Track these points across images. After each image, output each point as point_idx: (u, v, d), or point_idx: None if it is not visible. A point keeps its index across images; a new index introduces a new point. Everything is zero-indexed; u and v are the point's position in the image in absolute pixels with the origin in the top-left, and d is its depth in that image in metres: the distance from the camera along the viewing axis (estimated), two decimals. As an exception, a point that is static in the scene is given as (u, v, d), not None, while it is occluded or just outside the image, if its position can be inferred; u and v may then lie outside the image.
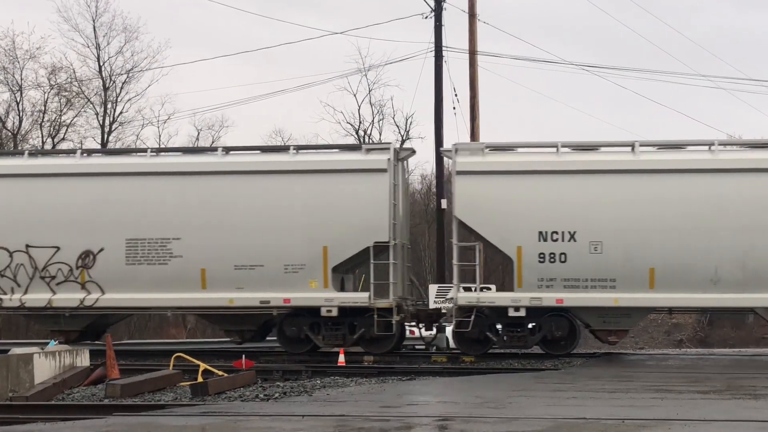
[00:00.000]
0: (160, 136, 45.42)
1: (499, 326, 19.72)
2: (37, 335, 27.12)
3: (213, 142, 47.00)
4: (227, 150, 20.64)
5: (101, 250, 20.13)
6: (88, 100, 40.77)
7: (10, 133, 39.94)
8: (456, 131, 55.86)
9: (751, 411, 10.10)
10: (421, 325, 21.37)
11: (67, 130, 40.71)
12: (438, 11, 28.53)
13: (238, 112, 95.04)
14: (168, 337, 33.89)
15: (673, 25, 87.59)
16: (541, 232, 19.02)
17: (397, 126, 44.70)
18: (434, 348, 23.01)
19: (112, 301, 20.28)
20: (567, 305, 19.14)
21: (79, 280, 20.25)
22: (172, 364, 16.81)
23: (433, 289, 23.88)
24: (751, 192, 18.74)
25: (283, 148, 21.78)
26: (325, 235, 19.51)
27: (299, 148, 20.64)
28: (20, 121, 40.15)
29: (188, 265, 19.83)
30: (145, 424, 9.62)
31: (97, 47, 40.57)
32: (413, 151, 21.31)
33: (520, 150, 20.15)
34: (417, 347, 24.43)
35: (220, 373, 15.85)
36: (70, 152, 23.06)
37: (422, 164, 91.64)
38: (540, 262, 19.01)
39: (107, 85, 40.90)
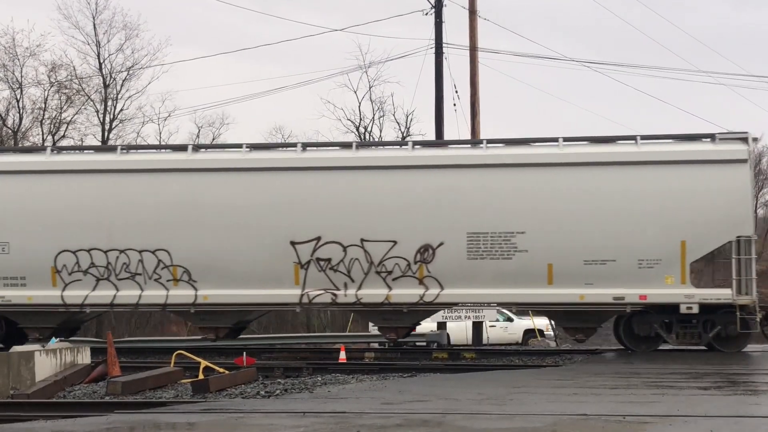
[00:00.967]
0: (160, 133, 45.50)
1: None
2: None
3: (213, 140, 47.09)
4: (567, 140, 19.62)
5: (441, 244, 19.52)
6: (89, 97, 40.81)
7: (10, 131, 39.94)
8: (457, 128, 55.88)
9: (752, 407, 10.11)
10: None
11: (67, 127, 40.80)
12: (438, 8, 28.55)
13: (237, 108, 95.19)
14: (169, 335, 33.95)
15: (673, 21, 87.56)
16: None
17: (398, 123, 44.80)
18: None
19: (451, 297, 19.66)
20: None
21: (417, 276, 19.59)
22: (173, 361, 16.85)
23: None
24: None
25: (629, 138, 19.87)
26: (683, 230, 18.94)
27: (645, 138, 19.57)
28: (20, 119, 40.22)
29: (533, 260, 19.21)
30: (147, 422, 9.61)
31: (98, 44, 40.65)
32: (756, 140, 20.12)
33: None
34: (417, 344, 24.43)
35: (221, 370, 15.89)
36: (402, 144, 22.92)
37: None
38: None
39: (107, 83, 40.90)
